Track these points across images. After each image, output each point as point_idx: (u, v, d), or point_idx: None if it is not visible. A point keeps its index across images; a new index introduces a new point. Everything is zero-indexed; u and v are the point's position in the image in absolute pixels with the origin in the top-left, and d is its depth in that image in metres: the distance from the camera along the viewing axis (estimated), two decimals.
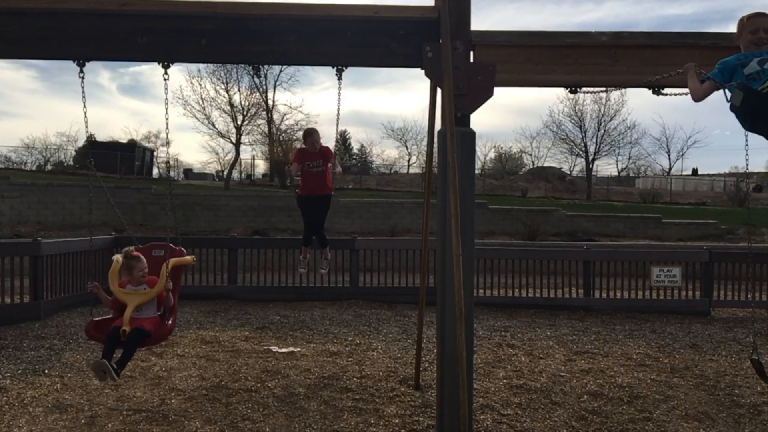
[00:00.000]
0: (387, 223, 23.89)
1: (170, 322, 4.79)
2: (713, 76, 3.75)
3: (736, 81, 3.65)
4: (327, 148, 6.86)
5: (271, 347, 7.35)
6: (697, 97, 3.90)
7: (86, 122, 4.51)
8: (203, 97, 38.21)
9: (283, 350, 7.19)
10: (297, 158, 6.97)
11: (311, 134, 6.83)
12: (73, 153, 42.70)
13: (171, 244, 4.92)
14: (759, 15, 3.78)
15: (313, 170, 6.74)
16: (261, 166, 46.38)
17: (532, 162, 54.80)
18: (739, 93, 3.57)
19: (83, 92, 4.40)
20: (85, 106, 4.44)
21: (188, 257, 5.09)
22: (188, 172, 45.43)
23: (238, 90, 37.28)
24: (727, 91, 3.70)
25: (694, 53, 4.24)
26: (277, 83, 40.87)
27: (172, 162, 41.57)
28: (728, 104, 3.67)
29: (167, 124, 4.57)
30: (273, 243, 12.07)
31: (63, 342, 7.39)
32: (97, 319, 4.75)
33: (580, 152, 43.96)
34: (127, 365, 6.23)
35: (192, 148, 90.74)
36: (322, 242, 7.31)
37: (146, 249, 5.02)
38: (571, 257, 11.13)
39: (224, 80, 37.44)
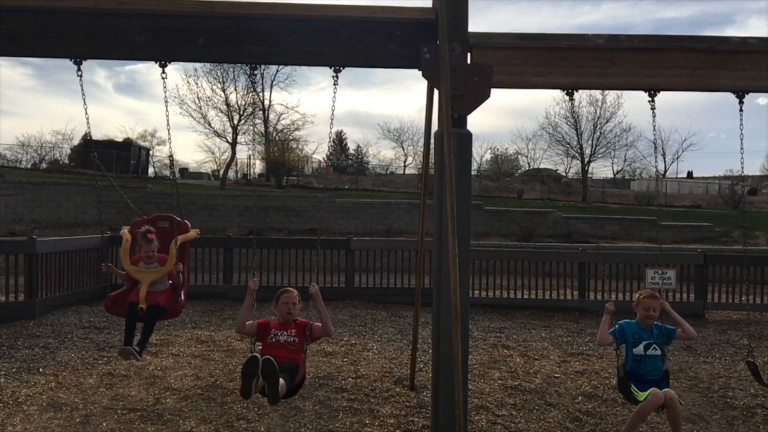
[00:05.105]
0: (383, 224, 23.90)
1: (182, 298, 5.10)
2: (617, 334, 4.64)
3: (628, 352, 4.59)
4: (307, 323, 4.76)
5: None
6: (601, 344, 4.81)
7: (87, 119, 4.55)
8: (200, 96, 38.13)
9: None
10: (260, 327, 4.75)
11: (287, 293, 4.84)
12: (69, 151, 42.59)
13: (176, 216, 5.11)
14: (651, 297, 4.69)
15: (280, 340, 4.53)
16: (257, 166, 46.42)
17: (528, 164, 54.98)
18: (622, 372, 4.55)
19: (82, 90, 4.40)
20: (85, 104, 4.46)
21: (193, 232, 5.31)
22: (184, 171, 45.31)
23: (235, 89, 37.27)
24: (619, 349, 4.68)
25: (690, 56, 4.26)
26: (274, 83, 40.97)
27: (168, 161, 41.65)
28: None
29: (168, 121, 4.63)
30: (269, 243, 12.05)
31: (57, 341, 7.37)
32: (113, 294, 5.10)
33: (576, 154, 44.09)
34: (123, 364, 6.28)
35: (188, 147, 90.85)
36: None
37: (152, 220, 5.29)
38: (566, 259, 11.17)
39: (221, 79, 37.50)
